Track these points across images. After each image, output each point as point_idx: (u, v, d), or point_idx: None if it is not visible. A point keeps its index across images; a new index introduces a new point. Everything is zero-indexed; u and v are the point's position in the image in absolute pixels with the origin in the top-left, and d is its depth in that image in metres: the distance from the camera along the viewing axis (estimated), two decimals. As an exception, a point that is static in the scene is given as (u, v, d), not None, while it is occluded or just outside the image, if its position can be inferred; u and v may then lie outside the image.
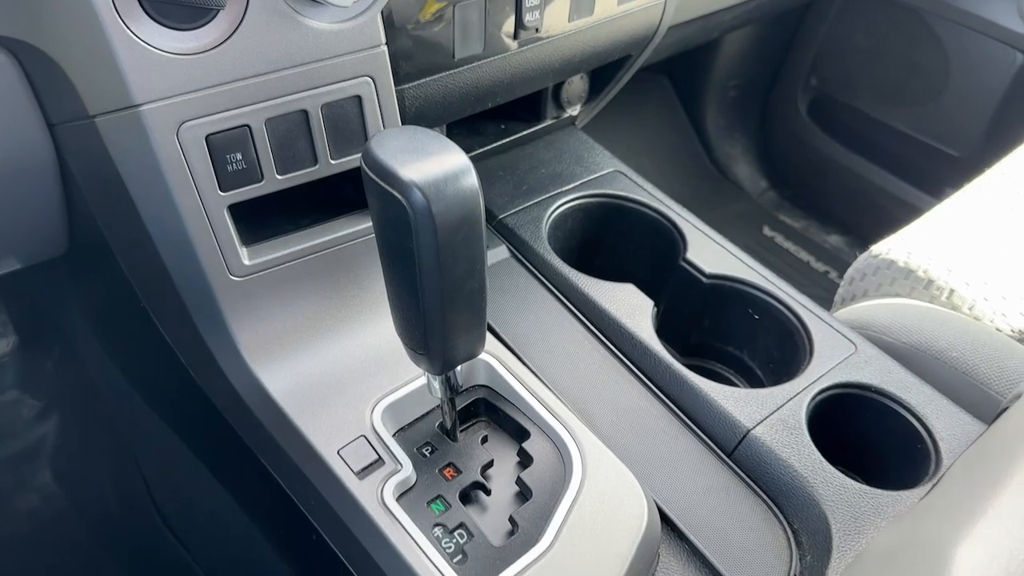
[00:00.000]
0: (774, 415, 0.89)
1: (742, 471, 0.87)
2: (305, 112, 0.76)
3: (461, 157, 0.61)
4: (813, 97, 2.36)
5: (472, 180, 0.61)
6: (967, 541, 0.53)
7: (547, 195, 1.17)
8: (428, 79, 0.92)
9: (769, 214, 2.46)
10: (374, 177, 0.61)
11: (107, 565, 1.42)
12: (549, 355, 0.96)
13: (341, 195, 0.84)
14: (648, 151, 2.42)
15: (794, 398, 0.92)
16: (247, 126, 0.74)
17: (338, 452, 0.77)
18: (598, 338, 0.99)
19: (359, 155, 0.63)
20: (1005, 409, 0.79)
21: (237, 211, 0.77)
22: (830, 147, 2.31)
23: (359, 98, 0.79)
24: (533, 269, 1.07)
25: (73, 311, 1.27)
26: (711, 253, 1.11)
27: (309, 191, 0.81)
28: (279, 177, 0.77)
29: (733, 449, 0.88)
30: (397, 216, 0.60)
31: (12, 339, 1.45)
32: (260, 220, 0.81)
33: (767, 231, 2.41)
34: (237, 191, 0.75)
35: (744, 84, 2.44)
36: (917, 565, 0.55)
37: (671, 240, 1.15)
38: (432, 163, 0.60)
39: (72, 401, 1.46)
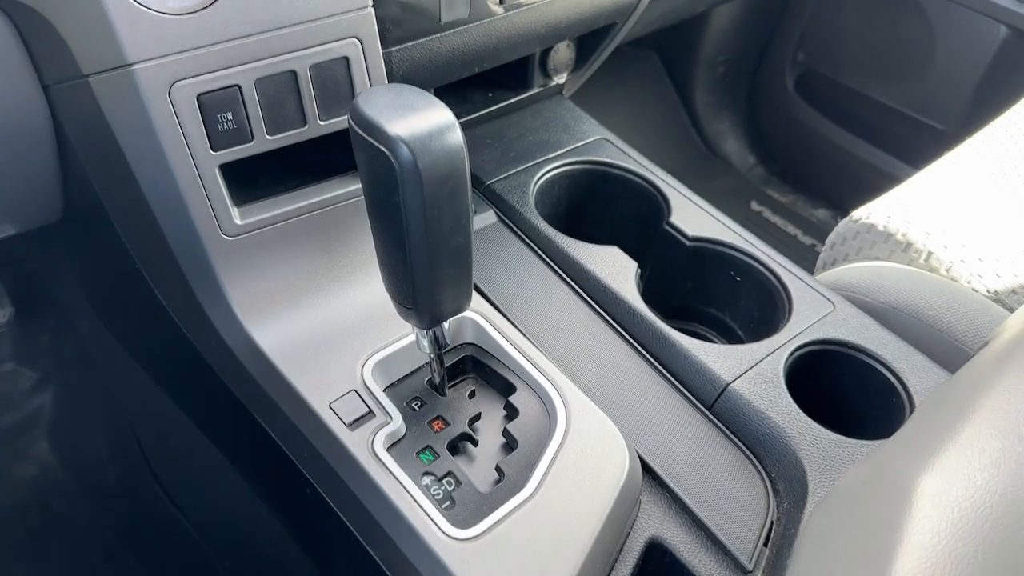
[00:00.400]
0: (753, 369, 0.92)
1: (721, 423, 0.89)
2: (294, 73, 0.78)
3: (446, 113, 0.63)
4: (800, 73, 2.37)
5: (457, 136, 0.63)
6: (929, 472, 0.56)
7: (534, 162, 1.19)
8: (415, 43, 0.94)
9: (757, 189, 2.48)
10: (361, 132, 0.63)
11: (104, 531, 1.44)
12: (535, 314, 0.98)
13: (331, 157, 0.86)
14: (637, 127, 2.43)
15: (773, 353, 0.94)
16: (237, 86, 0.75)
17: (330, 405, 0.79)
18: (583, 298, 1.01)
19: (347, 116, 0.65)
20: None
21: (229, 172, 0.79)
22: (817, 122, 2.33)
23: (347, 59, 0.81)
24: (520, 233, 1.09)
25: (68, 280, 1.28)
26: (694, 217, 1.14)
27: (300, 153, 0.83)
28: (269, 137, 0.79)
29: (713, 402, 0.90)
30: (384, 170, 0.62)
31: (8, 310, 1.46)
32: (252, 181, 0.83)
33: (755, 206, 2.43)
34: (228, 151, 0.77)
35: (732, 60, 2.45)
36: (883, 497, 0.58)
37: (655, 205, 1.17)
38: (418, 118, 0.62)
39: (68, 370, 1.48)
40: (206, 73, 0.73)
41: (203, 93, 0.74)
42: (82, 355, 1.41)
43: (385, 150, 0.61)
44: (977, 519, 0.51)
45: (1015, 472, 0.53)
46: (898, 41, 2.09)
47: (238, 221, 0.81)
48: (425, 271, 0.67)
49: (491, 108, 1.26)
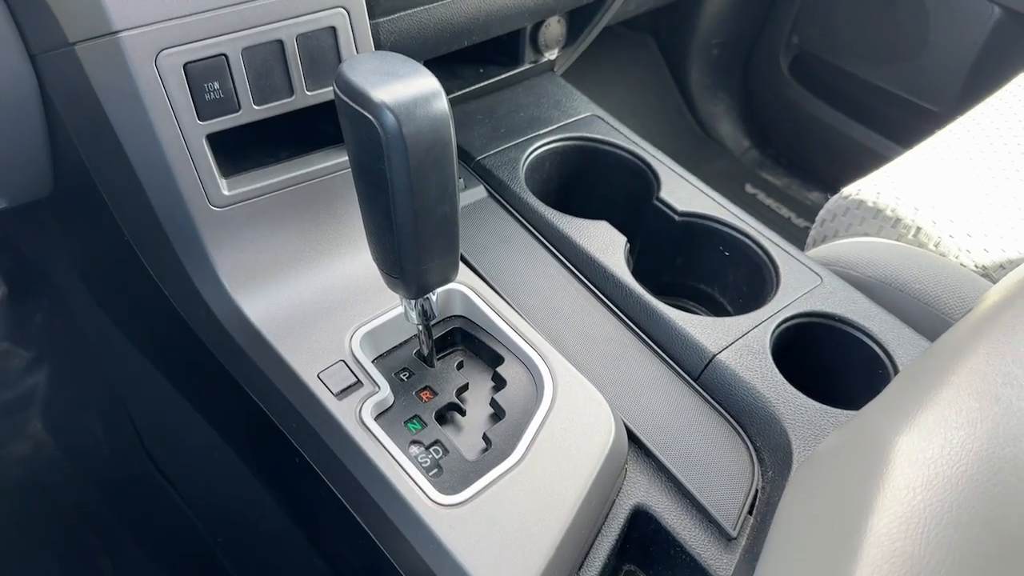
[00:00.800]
0: (739, 341, 0.92)
1: (707, 394, 0.90)
2: (281, 42, 0.78)
3: (432, 80, 0.63)
4: (795, 55, 2.37)
5: (442, 103, 0.63)
6: (906, 431, 0.56)
7: (525, 137, 1.19)
8: (403, 14, 0.94)
9: (751, 172, 2.48)
10: (346, 99, 0.63)
11: (99, 508, 1.45)
12: (524, 288, 0.99)
13: (319, 129, 0.86)
14: (632, 110, 2.43)
15: (759, 325, 0.95)
16: (224, 55, 0.75)
17: (318, 375, 0.80)
18: (572, 272, 1.01)
19: (334, 86, 0.65)
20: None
21: (216, 142, 0.79)
22: (812, 105, 2.33)
23: (333, 29, 0.80)
24: (510, 207, 1.09)
25: (61, 258, 1.29)
26: (684, 192, 1.14)
27: (288, 125, 0.83)
28: (256, 107, 0.79)
29: (699, 373, 0.91)
30: (369, 137, 0.62)
31: (1, 289, 1.46)
32: (240, 152, 0.83)
33: (749, 188, 2.43)
34: (215, 120, 0.77)
35: (727, 43, 2.45)
36: (861, 456, 0.58)
37: (645, 180, 1.17)
38: (403, 85, 0.62)
39: (61, 349, 1.48)
40: (193, 42, 0.73)
41: (190, 62, 0.74)
42: (76, 334, 1.41)
43: (370, 116, 0.61)
44: (952, 476, 0.52)
45: (991, 431, 0.54)
46: (892, 23, 2.09)
47: (226, 192, 0.81)
48: (411, 239, 0.68)
49: (482, 84, 1.26)
